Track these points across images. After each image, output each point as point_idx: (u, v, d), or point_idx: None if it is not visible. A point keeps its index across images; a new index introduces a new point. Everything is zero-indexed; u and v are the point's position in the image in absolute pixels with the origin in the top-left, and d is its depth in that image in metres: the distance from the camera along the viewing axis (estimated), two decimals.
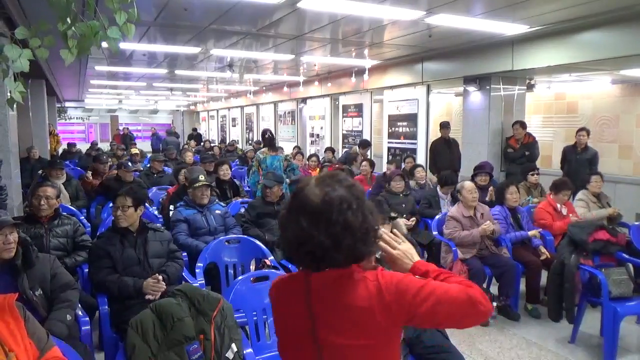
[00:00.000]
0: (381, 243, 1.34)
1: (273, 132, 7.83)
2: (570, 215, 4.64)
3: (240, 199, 5.46)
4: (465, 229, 4.09)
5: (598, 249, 3.70)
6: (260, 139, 6.33)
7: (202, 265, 3.47)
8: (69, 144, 12.55)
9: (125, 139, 15.68)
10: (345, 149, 10.25)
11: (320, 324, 1.22)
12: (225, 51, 7.12)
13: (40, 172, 6.27)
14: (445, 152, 7.51)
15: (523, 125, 6.67)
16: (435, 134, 8.22)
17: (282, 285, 1.35)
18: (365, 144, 8.52)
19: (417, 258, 1.37)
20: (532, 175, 5.70)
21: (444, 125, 7.63)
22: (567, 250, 3.69)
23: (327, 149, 9.19)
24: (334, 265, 1.22)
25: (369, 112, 9.76)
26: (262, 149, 6.12)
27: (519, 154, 6.63)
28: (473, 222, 4.13)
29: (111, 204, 4.85)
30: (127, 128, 18.14)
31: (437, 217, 4.76)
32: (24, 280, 2.44)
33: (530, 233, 4.31)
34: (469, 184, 4.22)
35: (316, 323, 1.23)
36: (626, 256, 3.78)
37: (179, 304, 2.34)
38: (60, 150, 13.04)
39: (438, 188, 5.42)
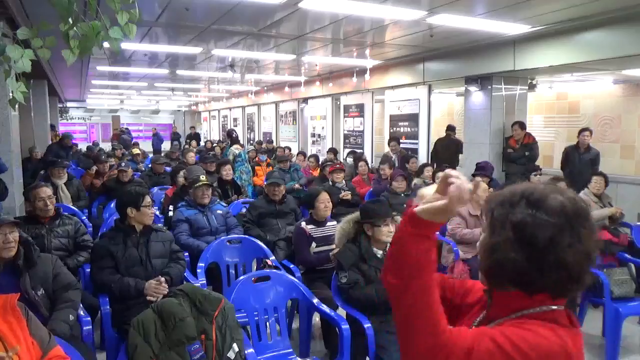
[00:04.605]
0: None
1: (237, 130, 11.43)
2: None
3: (241, 199, 5.46)
4: (469, 227, 4.08)
5: (600, 249, 3.70)
6: (227, 136, 8.39)
7: (203, 265, 3.47)
8: (63, 135, 11.94)
9: (121, 138, 15.58)
10: (346, 149, 10.27)
11: None
12: (227, 51, 7.12)
13: (42, 172, 6.29)
14: (445, 152, 7.57)
15: (522, 125, 6.67)
16: (437, 134, 8.21)
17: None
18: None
19: None
20: (535, 175, 5.69)
21: (452, 128, 8.11)
22: None
23: (329, 150, 9.21)
24: None
25: (370, 112, 9.74)
26: (236, 145, 7.47)
27: (519, 154, 6.63)
28: (477, 221, 4.12)
29: (113, 204, 4.90)
30: (127, 128, 18.10)
31: None
32: (26, 280, 2.45)
33: None
34: (484, 184, 4.26)
35: None
36: (628, 256, 3.78)
37: (181, 304, 2.34)
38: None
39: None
